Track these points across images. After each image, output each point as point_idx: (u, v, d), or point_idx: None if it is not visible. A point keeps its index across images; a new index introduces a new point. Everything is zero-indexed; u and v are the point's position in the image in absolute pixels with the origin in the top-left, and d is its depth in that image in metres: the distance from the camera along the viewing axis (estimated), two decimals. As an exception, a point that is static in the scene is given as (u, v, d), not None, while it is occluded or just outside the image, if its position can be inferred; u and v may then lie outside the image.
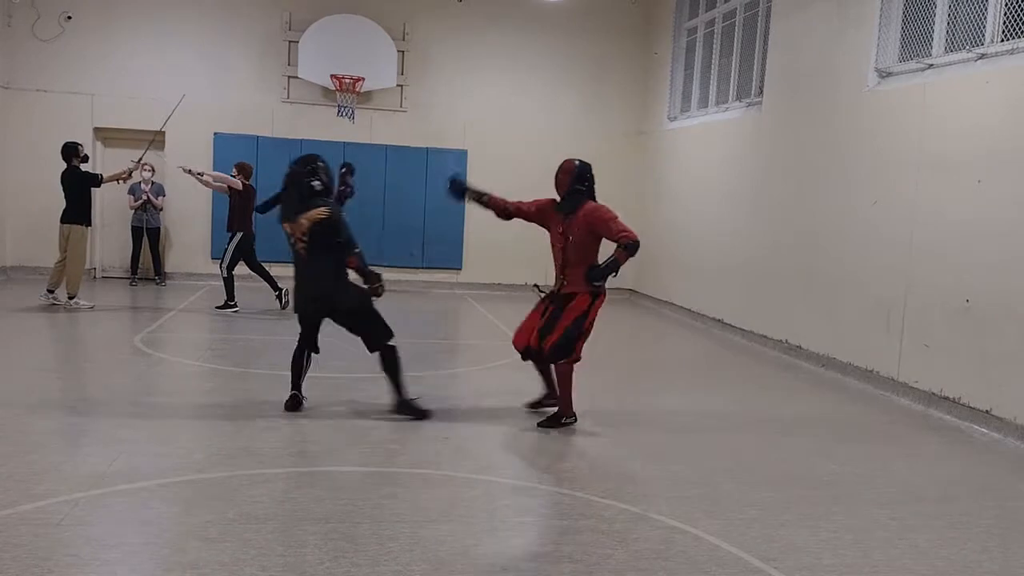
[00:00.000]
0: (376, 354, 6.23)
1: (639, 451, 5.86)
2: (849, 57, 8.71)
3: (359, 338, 6.30)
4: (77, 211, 10.27)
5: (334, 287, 6.06)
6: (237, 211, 10.79)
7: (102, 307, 10.61)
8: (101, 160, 13.16)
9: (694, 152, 12.57)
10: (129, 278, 13.20)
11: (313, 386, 6.60)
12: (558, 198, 6.25)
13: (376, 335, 6.20)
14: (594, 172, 6.24)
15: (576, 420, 6.19)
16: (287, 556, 3.82)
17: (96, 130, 13.17)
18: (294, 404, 6.24)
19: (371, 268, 6.15)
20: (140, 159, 11.20)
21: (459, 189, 6.53)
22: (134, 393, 6.64)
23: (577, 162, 6.19)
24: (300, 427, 5.89)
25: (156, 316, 10.59)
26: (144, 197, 12.90)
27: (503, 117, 14.29)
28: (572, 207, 6.10)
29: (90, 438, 5.51)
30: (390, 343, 6.20)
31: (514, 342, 6.35)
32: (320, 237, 5.91)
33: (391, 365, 6.21)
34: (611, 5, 14.14)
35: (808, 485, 5.24)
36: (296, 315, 6.30)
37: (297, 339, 6.33)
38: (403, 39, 13.82)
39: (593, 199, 6.17)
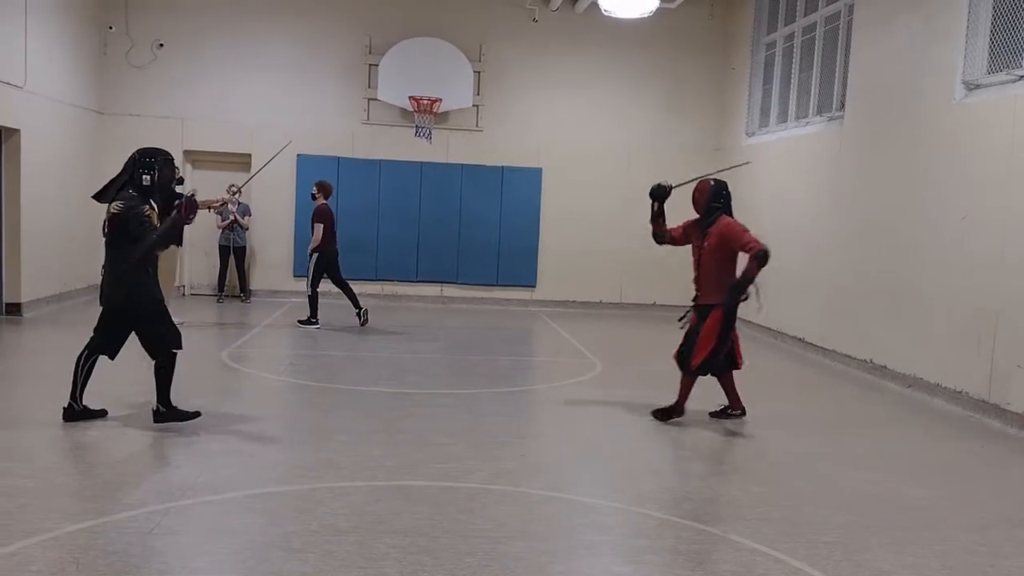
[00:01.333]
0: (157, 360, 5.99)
1: (718, 472, 5.78)
2: (935, 69, 8.49)
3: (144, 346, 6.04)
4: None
5: (128, 288, 5.82)
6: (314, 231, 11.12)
7: (190, 324, 10.97)
8: (191, 182, 13.61)
9: (773, 168, 12.38)
10: (216, 295, 13.62)
11: (393, 401, 6.70)
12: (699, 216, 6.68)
13: (158, 343, 5.92)
14: (729, 190, 6.65)
15: (683, 414, 6.66)
16: (367, 568, 3.89)
17: (186, 153, 13.67)
18: (71, 415, 5.98)
19: (161, 228, 5.79)
20: (237, 192, 11.55)
21: (662, 194, 6.89)
22: (221, 407, 6.84)
23: (712, 182, 6.65)
24: (379, 442, 5.99)
25: (242, 332, 10.90)
26: (231, 217, 13.31)
27: (578, 135, 14.33)
28: (710, 223, 6.52)
29: (179, 450, 5.70)
30: (173, 352, 5.94)
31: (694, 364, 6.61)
32: (118, 232, 5.74)
33: (163, 371, 5.96)
34: (688, 21, 14.08)
35: (893, 509, 5.09)
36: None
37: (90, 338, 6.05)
38: (479, 60, 14.01)
39: (729, 215, 6.58)
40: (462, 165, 14.16)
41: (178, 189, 9.82)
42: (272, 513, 4.58)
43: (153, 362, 6.02)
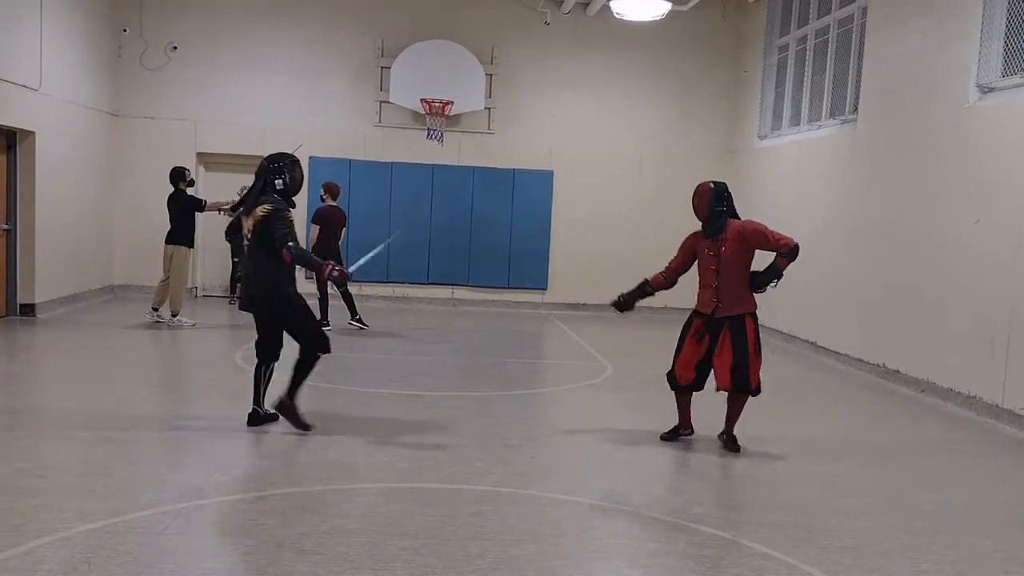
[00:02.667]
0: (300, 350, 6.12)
1: (730, 476, 5.76)
2: (948, 72, 8.45)
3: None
4: (181, 233, 10.72)
5: (268, 289, 5.96)
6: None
7: (203, 325, 11.01)
8: (203, 184, 13.71)
9: (785, 170, 12.35)
10: (228, 297, 13.66)
11: (404, 403, 6.71)
12: (700, 223, 6.22)
13: (307, 338, 6.08)
14: (730, 190, 6.24)
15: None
16: (378, 570, 3.89)
17: (199, 155, 13.73)
18: (255, 420, 6.19)
19: (313, 258, 6.03)
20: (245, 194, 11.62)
21: (627, 307, 6.73)
22: (234, 408, 6.86)
23: (712, 184, 6.16)
24: (390, 444, 5.99)
25: (254, 334, 10.89)
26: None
27: (590, 137, 14.32)
28: (719, 228, 6.09)
29: (192, 450, 5.73)
30: (320, 353, 6.10)
31: (678, 374, 6.24)
32: (263, 236, 5.87)
33: (303, 367, 6.11)
34: (700, 24, 14.05)
35: (907, 514, 5.06)
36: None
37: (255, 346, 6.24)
38: (491, 63, 14.02)
39: (736, 216, 6.20)
40: (473, 168, 14.17)
41: (188, 191, 9.86)
42: (284, 514, 4.59)
43: (299, 354, 6.13)
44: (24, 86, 10.57)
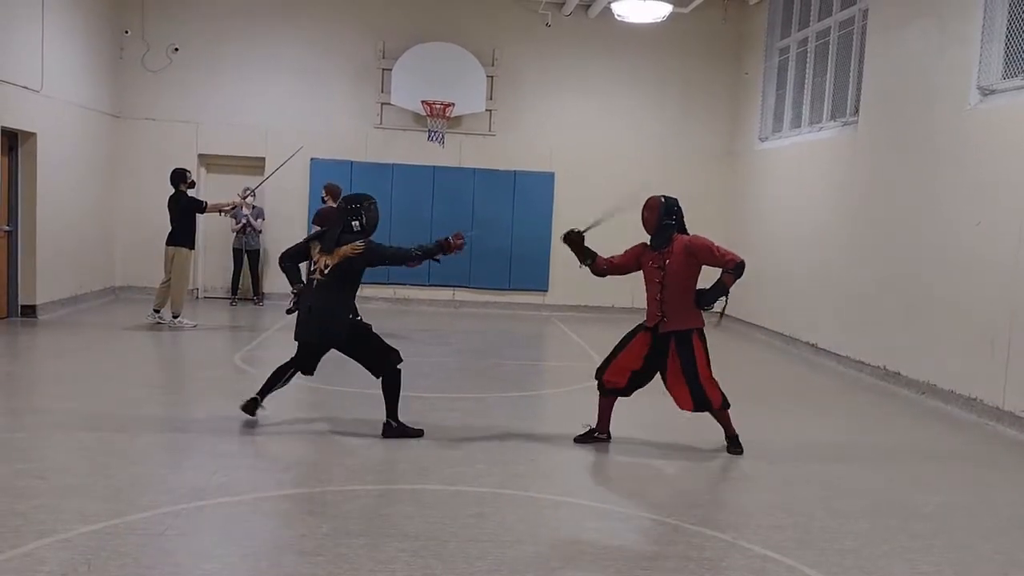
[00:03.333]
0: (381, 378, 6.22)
1: (730, 478, 5.76)
2: (949, 74, 8.45)
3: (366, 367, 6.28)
4: (182, 234, 10.73)
5: (335, 320, 6.09)
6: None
7: (204, 326, 11.02)
8: (205, 185, 13.71)
9: (786, 172, 12.35)
10: (229, 298, 13.67)
11: (406, 406, 6.70)
12: (648, 236, 6.22)
13: (378, 362, 6.19)
14: (681, 205, 6.20)
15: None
16: (377, 572, 3.90)
17: (200, 156, 13.74)
18: (251, 407, 6.29)
19: (430, 247, 6.21)
20: (246, 195, 11.63)
21: (573, 239, 6.60)
22: (234, 409, 6.86)
23: (662, 198, 6.16)
24: (390, 445, 5.99)
25: (255, 335, 10.95)
26: (244, 220, 13.36)
27: (590, 139, 14.33)
28: (665, 242, 6.08)
29: (192, 452, 5.73)
30: (397, 367, 6.18)
31: (606, 379, 6.20)
32: (342, 272, 6.04)
33: (390, 387, 6.19)
34: (701, 26, 14.05)
35: (907, 516, 5.06)
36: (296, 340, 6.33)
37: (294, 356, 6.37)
38: (492, 64, 14.02)
39: (684, 231, 6.15)
40: (474, 169, 14.18)
41: (189, 193, 9.81)
42: (284, 516, 4.60)
43: (380, 380, 6.20)
44: (25, 87, 10.58)
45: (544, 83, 14.25)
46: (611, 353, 6.26)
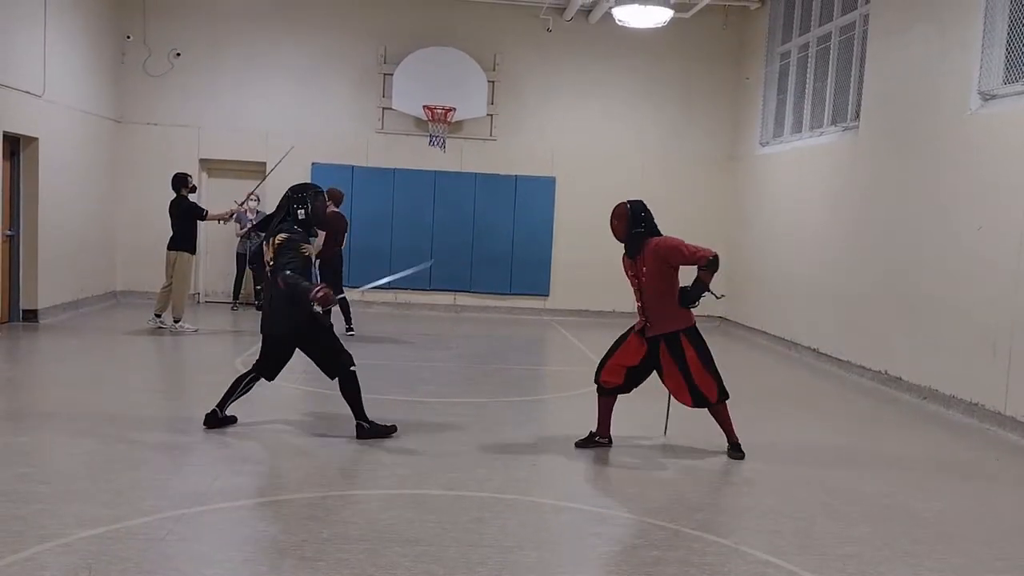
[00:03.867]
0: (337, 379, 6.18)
1: (731, 482, 5.75)
2: (950, 79, 8.46)
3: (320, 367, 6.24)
4: (183, 239, 10.74)
5: (286, 314, 6.02)
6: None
7: (205, 331, 11.02)
8: (206, 190, 13.73)
9: (787, 177, 12.36)
10: (230, 303, 13.67)
11: (406, 409, 6.71)
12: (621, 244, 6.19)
13: (331, 364, 6.15)
14: (649, 208, 6.16)
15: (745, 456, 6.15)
16: (379, 577, 3.89)
17: (201, 161, 13.76)
18: (212, 421, 6.22)
19: (301, 285, 5.87)
20: (243, 202, 11.60)
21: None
22: (234, 414, 6.86)
23: (628, 204, 6.13)
24: (391, 450, 5.99)
25: (256, 339, 10.90)
26: (249, 226, 13.36)
27: (592, 144, 14.35)
28: (637, 248, 6.05)
29: (193, 456, 5.73)
30: (350, 368, 6.13)
31: (603, 379, 6.19)
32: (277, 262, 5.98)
33: (348, 390, 6.15)
34: (701, 31, 14.07)
35: (909, 522, 5.05)
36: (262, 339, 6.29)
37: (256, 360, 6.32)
38: (493, 69, 14.05)
39: (655, 234, 6.10)
40: (475, 174, 14.19)
41: (191, 197, 9.84)
42: (285, 520, 4.59)
43: (336, 382, 6.18)
44: (27, 92, 10.60)
45: (545, 88, 14.27)
46: (606, 354, 6.27)
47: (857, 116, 10.43)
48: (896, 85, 9.46)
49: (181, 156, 13.25)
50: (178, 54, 13.64)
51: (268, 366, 6.27)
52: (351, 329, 11.12)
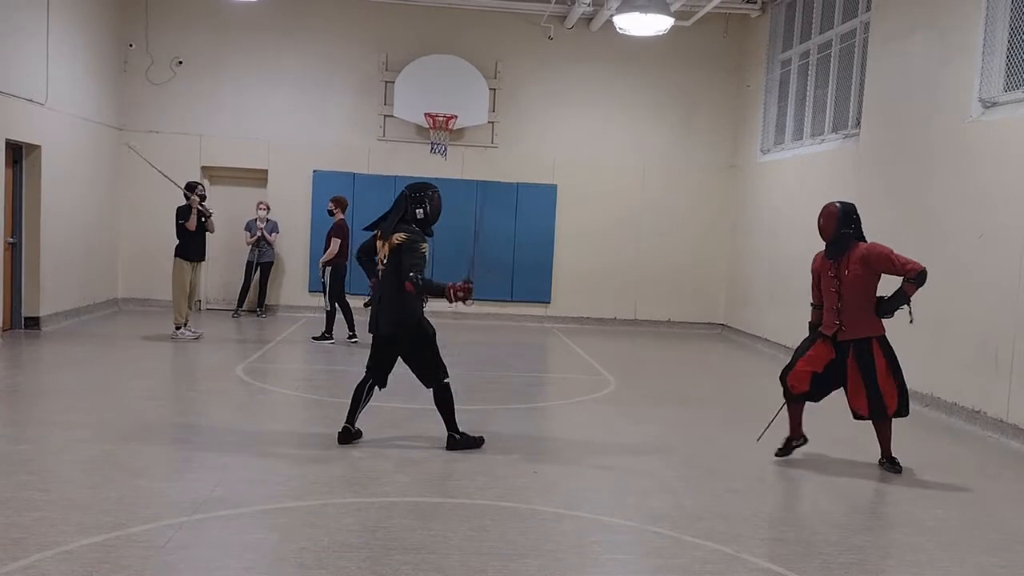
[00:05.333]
0: (431, 390, 6.21)
1: (733, 490, 5.74)
2: (951, 87, 8.47)
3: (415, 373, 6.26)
4: (178, 245, 10.80)
5: (398, 314, 6.04)
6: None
7: (207, 338, 11.02)
8: (208, 197, 13.71)
9: (788, 184, 12.36)
10: (233, 310, 13.66)
11: (410, 417, 6.70)
12: (824, 244, 6.21)
13: (429, 373, 6.17)
14: (859, 212, 6.16)
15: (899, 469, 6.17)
16: (379, 585, 3.89)
17: (203, 169, 13.77)
18: (346, 437, 6.23)
19: (434, 284, 6.02)
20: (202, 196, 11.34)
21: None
22: (235, 421, 6.87)
23: (838, 204, 6.13)
24: (392, 458, 5.99)
25: (258, 347, 10.95)
26: (259, 233, 13.37)
27: (593, 152, 14.36)
28: (842, 250, 6.04)
29: (193, 464, 5.72)
30: (445, 381, 6.17)
31: (792, 383, 6.19)
32: (396, 263, 5.99)
33: (441, 401, 6.19)
34: (703, 39, 14.09)
35: (911, 530, 5.04)
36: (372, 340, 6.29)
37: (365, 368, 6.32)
38: (495, 77, 14.07)
39: (862, 239, 6.09)
40: (477, 181, 14.19)
41: (201, 205, 9.82)
42: (285, 528, 4.59)
43: (431, 392, 6.20)
44: (30, 100, 10.63)
45: (546, 95, 14.29)
46: (792, 358, 6.28)
47: (858, 123, 10.44)
48: (897, 93, 9.47)
49: (183, 164, 13.24)
50: (180, 62, 13.67)
51: (379, 369, 6.25)
52: (353, 336, 11.13)
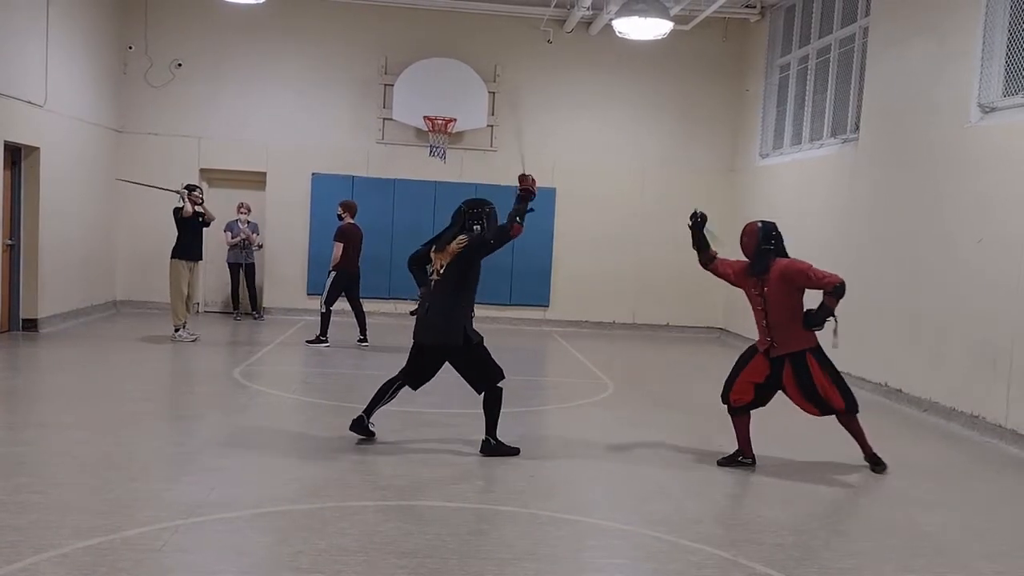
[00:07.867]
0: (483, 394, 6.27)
1: (730, 495, 5.73)
2: (950, 92, 8.47)
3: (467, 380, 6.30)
4: (175, 245, 10.80)
5: (451, 322, 6.09)
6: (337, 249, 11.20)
7: (205, 341, 11.01)
8: (207, 200, 13.69)
9: (787, 189, 12.36)
10: (232, 313, 13.64)
11: (404, 420, 6.69)
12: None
13: (483, 377, 6.21)
14: (779, 229, 6.20)
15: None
16: (375, 589, 3.87)
17: (202, 171, 13.76)
18: (358, 427, 6.27)
19: (517, 206, 6.27)
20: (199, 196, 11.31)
21: (700, 225, 6.41)
22: (232, 424, 6.86)
23: (759, 223, 6.18)
24: (389, 461, 5.97)
25: (254, 350, 10.94)
26: (241, 235, 13.35)
27: (592, 156, 14.36)
28: (763, 267, 6.06)
29: (190, 467, 5.71)
30: (498, 384, 6.22)
31: (733, 398, 6.21)
32: (454, 270, 6.05)
33: (491, 405, 6.23)
34: (702, 43, 14.10)
35: (909, 536, 5.03)
36: (412, 346, 6.33)
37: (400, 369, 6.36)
38: (494, 80, 14.08)
39: (783, 255, 6.13)
40: (476, 184, 14.16)
41: (200, 208, 9.80)
42: (281, 532, 4.57)
43: (481, 396, 6.24)
44: (29, 102, 10.62)
45: (545, 99, 14.29)
46: (731, 374, 6.28)
47: (857, 128, 10.45)
48: (896, 97, 9.47)
49: (182, 166, 13.26)
50: (179, 64, 13.67)
51: (415, 375, 6.29)
52: (364, 340, 11.13)
